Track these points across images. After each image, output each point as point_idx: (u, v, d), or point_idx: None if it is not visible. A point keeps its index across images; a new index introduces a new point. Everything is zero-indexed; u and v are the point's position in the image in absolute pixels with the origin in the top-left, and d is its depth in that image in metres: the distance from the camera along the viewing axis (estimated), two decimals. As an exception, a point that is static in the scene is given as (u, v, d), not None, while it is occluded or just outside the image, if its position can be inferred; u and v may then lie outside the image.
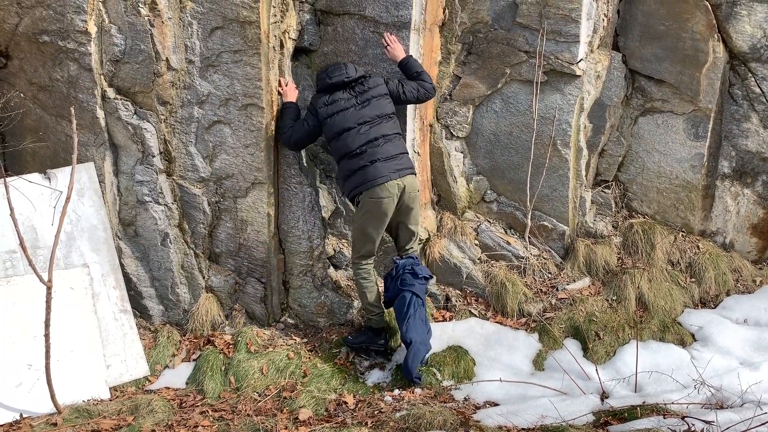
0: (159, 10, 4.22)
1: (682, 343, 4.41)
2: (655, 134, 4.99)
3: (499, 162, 4.94)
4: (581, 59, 4.60)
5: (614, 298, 4.71)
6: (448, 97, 4.89)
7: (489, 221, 5.06)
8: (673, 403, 3.65)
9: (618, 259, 4.91)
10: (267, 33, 4.23)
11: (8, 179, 3.98)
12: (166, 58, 4.32)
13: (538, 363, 4.37)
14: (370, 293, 4.34)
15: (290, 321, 4.80)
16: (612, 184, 5.16)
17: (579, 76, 4.63)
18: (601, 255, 4.85)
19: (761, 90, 4.72)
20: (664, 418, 3.40)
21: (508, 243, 4.93)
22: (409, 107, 4.51)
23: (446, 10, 4.73)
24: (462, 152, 5.00)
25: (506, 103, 4.81)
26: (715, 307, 4.71)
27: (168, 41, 4.30)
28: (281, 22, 4.35)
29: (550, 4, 4.49)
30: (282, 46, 4.40)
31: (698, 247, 4.95)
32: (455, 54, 4.80)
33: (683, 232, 5.02)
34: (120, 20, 4.28)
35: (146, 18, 4.23)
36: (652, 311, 4.61)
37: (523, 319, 4.67)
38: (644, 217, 5.10)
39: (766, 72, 4.69)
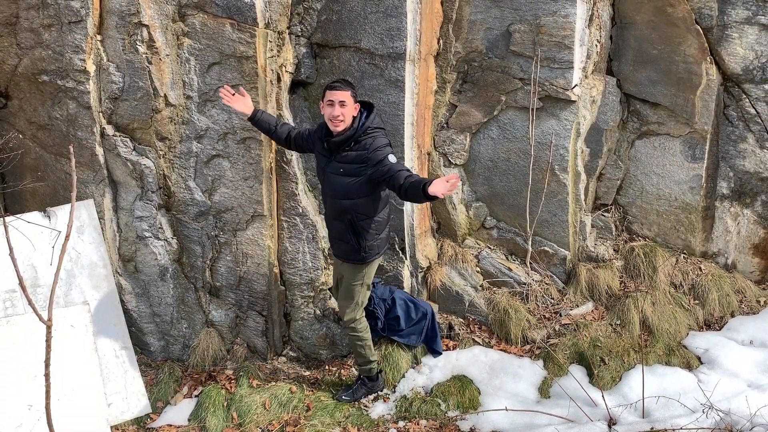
0: (157, 48, 4.27)
1: (689, 367, 4.36)
2: (652, 157, 5.01)
3: (497, 188, 4.95)
4: (576, 85, 4.64)
5: (618, 322, 4.67)
6: (444, 125, 4.92)
7: (490, 248, 5.05)
8: (681, 428, 3.60)
9: (620, 283, 4.89)
10: (264, 67, 4.28)
11: (7, 219, 3.99)
12: (165, 94, 4.36)
13: (544, 390, 4.32)
14: (370, 343, 4.28)
15: (292, 354, 4.77)
16: (611, 208, 5.16)
17: (574, 101, 4.66)
18: (603, 279, 4.83)
19: (756, 111, 4.75)
20: (674, 444, 3.36)
21: (510, 269, 4.91)
22: (407, 135, 4.53)
23: (440, 41, 4.78)
24: (460, 179, 5.01)
25: (503, 130, 4.83)
26: (720, 329, 4.68)
27: (166, 78, 4.34)
28: (278, 56, 4.40)
29: (543, 32, 4.54)
30: (279, 79, 4.44)
31: (700, 268, 4.93)
32: (451, 83, 4.84)
33: (685, 254, 5.00)
34: (118, 58, 4.33)
35: (144, 55, 4.28)
36: (656, 335, 4.58)
37: (527, 346, 4.63)
38: (645, 240, 5.09)
39: (760, 93, 4.72)
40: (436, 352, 4.60)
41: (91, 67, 4.35)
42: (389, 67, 4.41)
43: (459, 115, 4.88)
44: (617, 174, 5.10)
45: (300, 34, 4.52)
